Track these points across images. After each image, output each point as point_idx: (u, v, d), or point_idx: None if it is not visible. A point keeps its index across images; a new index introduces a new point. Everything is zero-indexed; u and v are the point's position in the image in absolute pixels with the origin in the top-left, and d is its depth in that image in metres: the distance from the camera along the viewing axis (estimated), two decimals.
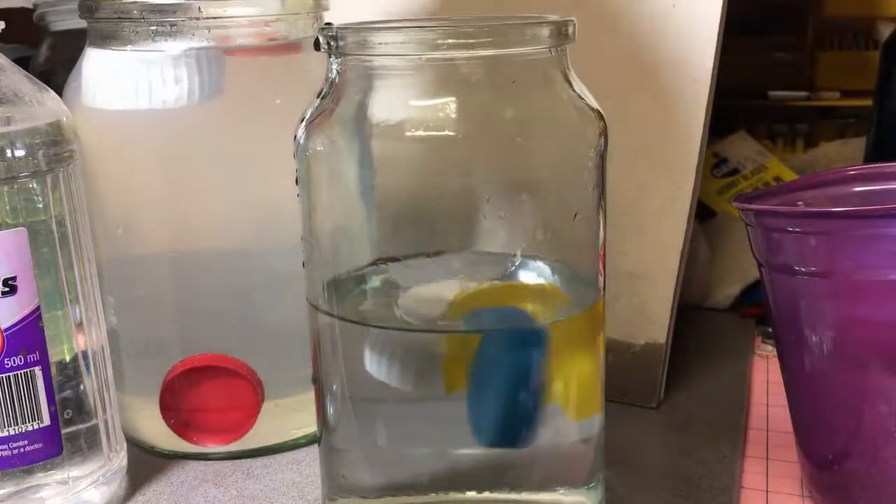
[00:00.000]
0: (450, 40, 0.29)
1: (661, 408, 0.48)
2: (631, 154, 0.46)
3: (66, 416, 0.37)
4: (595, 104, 0.33)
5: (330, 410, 0.34)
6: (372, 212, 0.33)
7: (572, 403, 0.34)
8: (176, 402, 0.42)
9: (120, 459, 0.41)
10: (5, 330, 0.35)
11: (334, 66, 0.32)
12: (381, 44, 0.30)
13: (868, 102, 0.61)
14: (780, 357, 0.39)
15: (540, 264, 0.33)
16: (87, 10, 0.41)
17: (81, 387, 0.38)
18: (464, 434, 0.33)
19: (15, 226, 0.35)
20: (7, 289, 0.35)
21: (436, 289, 0.33)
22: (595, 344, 0.34)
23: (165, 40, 0.40)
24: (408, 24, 0.32)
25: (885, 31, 0.81)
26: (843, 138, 0.76)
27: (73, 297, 0.37)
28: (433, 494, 0.33)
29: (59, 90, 0.40)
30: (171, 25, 0.39)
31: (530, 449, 0.33)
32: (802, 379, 0.37)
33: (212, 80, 0.40)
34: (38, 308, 0.36)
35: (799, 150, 0.86)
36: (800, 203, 0.40)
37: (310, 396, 0.36)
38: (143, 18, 0.39)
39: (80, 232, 0.38)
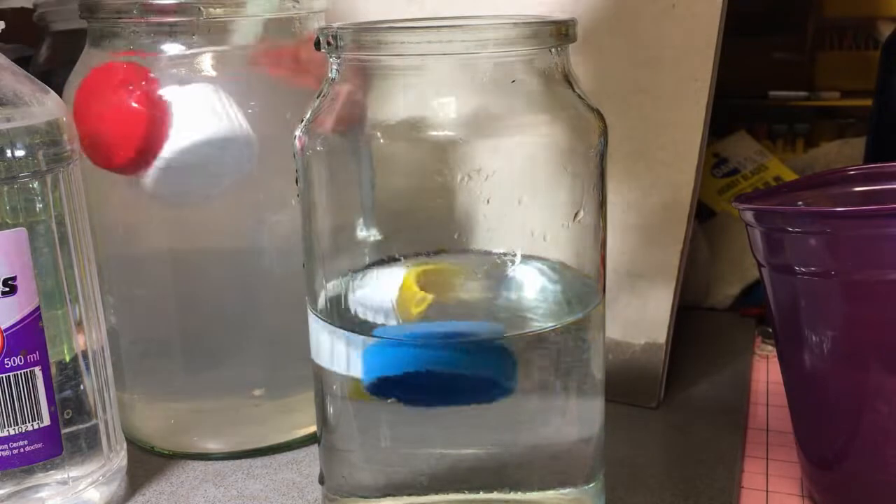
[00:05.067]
0: (449, 40, 0.29)
1: (661, 408, 0.48)
2: (631, 154, 0.46)
3: (66, 416, 0.37)
4: (595, 104, 0.33)
5: (330, 410, 0.34)
6: (372, 212, 0.33)
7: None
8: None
9: (120, 459, 0.41)
10: (5, 330, 0.35)
11: (334, 66, 0.32)
12: (380, 44, 0.30)
13: (868, 102, 0.61)
14: (780, 357, 0.39)
15: (540, 264, 0.33)
16: (87, 10, 0.41)
17: (81, 387, 0.38)
18: (464, 434, 0.33)
19: (15, 226, 0.35)
20: (7, 289, 0.35)
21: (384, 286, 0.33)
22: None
23: (166, 41, 0.40)
24: (407, 24, 0.32)
25: (885, 31, 0.81)
26: (843, 138, 0.76)
27: (72, 296, 0.37)
28: (433, 494, 0.33)
29: (59, 90, 0.40)
30: (171, 26, 0.39)
31: (530, 449, 0.33)
32: (802, 379, 0.37)
33: None
34: (37, 308, 0.36)
35: (799, 150, 0.86)
36: (800, 203, 0.40)
37: (310, 396, 0.36)
38: (143, 19, 0.39)
39: (80, 232, 0.38)
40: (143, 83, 0.39)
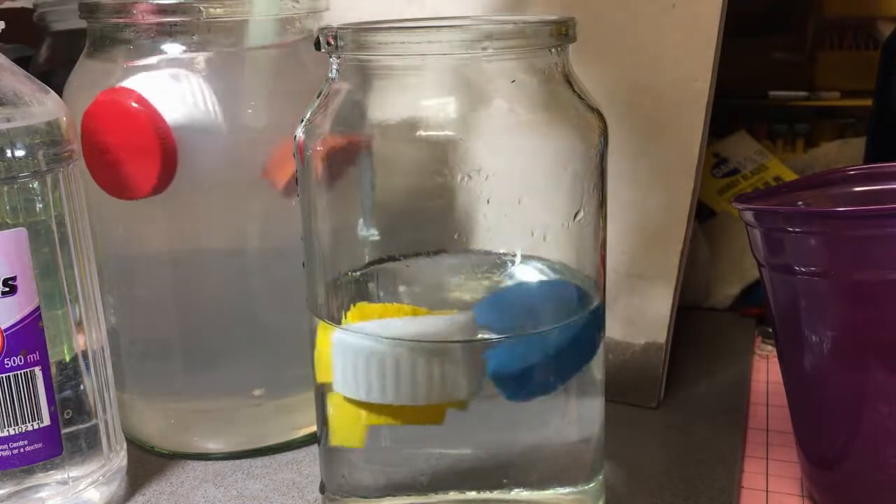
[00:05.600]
0: (449, 40, 0.29)
1: (661, 408, 0.48)
2: (631, 154, 0.46)
3: (66, 416, 0.37)
4: (595, 104, 0.33)
5: (330, 410, 0.34)
6: (372, 212, 0.33)
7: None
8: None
9: (120, 459, 0.41)
10: (5, 330, 0.35)
11: (334, 66, 0.32)
12: (380, 44, 0.30)
13: (868, 102, 0.61)
14: (780, 357, 0.39)
15: (540, 264, 0.33)
16: (87, 11, 0.41)
17: (81, 387, 0.38)
18: (464, 434, 0.33)
19: (15, 226, 0.35)
20: (7, 289, 0.35)
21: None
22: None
23: (166, 41, 0.40)
24: (407, 24, 0.32)
25: (885, 31, 0.81)
26: (843, 138, 0.76)
27: (73, 296, 0.37)
28: (433, 494, 0.33)
29: (59, 90, 0.40)
30: (172, 26, 0.39)
31: (530, 448, 0.33)
32: (802, 379, 0.37)
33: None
34: (38, 308, 0.36)
35: (799, 150, 0.86)
36: (800, 203, 0.40)
37: (310, 396, 0.36)
38: (143, 19, 0.39)
39: (80, 232, 0.38)
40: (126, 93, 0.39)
